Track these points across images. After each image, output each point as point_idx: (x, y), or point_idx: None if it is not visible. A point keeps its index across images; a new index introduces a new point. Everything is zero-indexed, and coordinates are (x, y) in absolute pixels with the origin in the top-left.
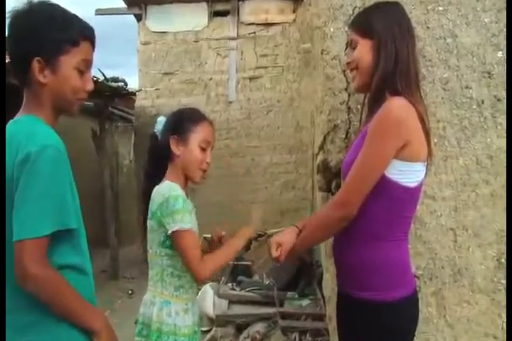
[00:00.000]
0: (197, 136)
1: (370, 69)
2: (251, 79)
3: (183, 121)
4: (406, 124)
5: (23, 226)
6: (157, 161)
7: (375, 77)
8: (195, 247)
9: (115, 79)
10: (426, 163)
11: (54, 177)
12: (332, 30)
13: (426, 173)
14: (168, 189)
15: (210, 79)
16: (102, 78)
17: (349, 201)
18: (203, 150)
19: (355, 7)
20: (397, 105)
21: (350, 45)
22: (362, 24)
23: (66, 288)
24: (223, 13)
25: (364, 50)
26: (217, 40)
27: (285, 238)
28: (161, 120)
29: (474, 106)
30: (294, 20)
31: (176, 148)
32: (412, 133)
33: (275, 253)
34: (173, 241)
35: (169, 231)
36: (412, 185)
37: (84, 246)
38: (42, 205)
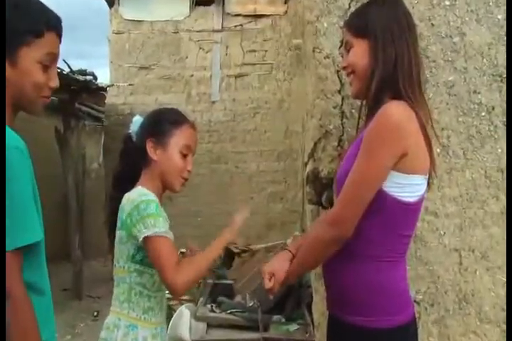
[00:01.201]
0: (178, 140)
1: (367, 73)
2: (236, 77)
3: (163, 122)
4: (405, 131)
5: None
6: (130, 165)
7: (373, 81)
8: (170, 255)
9: (82, 72)
10: (427, 176)
11: (22, 181)
12: (325, 25)
13: (428, 187)
14: (138, 194)
15: (191, 75)
16: (67, 70)
17: (343, 219)
18: (184, 156)
19: (351, 0)
20: (395, 109)
21: (345, 46)
22: (356, 22)
23: (34, 326)
24: (207, 2)
25: (360, 51)
26: (199, 32)
27: (278, 266)
28: (137, 120)
29: (483, 113)
30: (286, 12)
31: (152, 153)
32: (412, 142)
33: (268, 285)
34: (145, 249)
35: (141, 238)
36: (412, 199)
37: (43, 260)
38: (17, 213)
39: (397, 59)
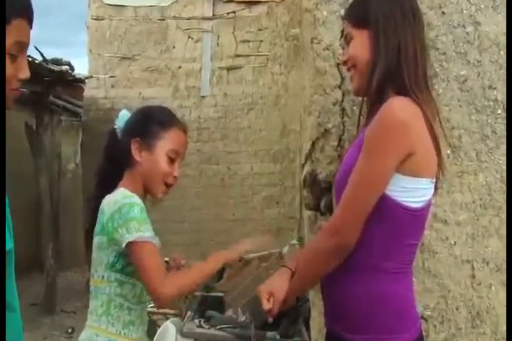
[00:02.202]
0: (165, 143)
1: (369, 66)
2: (229, 69)
3: (151, 122)
4: (410, 129)
5: None
6: (113, 163)
7: (374, 75)
8: (156, 262)
9: (57, 61)
10: (435, 179)
11: None
12: (325, 14)
13: (435, 191)
14: (121, 196)
15: (179, 67)
16: (39, 59)
17: (345, 226)
18: (171, 160)
19: None
20: (398, 106)
21: (345, 39)
22: (355, 12)
23: None
24: None
25: (360, 43)
26: (188, 19)
27: (276, 285)
28: (124, 114)
29: (499, 111)
30: None
31: (137, 154)
32: (418, 141)
33: (267, 306)
34: (129, 256)
35: (124, 243)
36: (417, 205)
37: (12, 273)
38: None
39: (401, 49)
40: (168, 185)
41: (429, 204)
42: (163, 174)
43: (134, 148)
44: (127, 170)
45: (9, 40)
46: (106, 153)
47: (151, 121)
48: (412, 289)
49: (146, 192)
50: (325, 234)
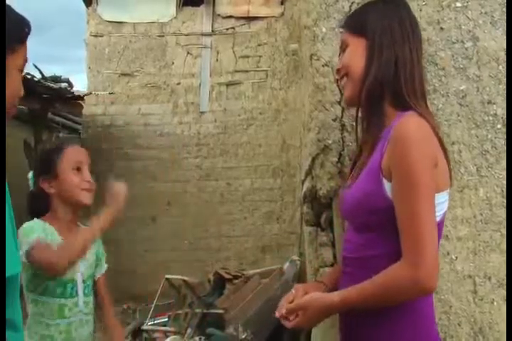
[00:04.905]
0: (63, 162)
1: (361, 75)
2: (228, 85)
3: (44, 157)
4: (431, 148)
5: None
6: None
7: (365, 85)
8: (45, 249)
9: (56, 79)
10: (449, 191)
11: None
12: (324, 30)
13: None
14: (26, 224)
15: (178, 83)
16: (38, 76)
17: (425, 258)
18: (78, 170)
19: (352, 3)
20: (414, 126)
21: (341, 46)
22: (353, 20)
23: None
24: (195, 2)
25: (356, 51)
26: (187, 35)
27: (311, 299)
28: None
29: (499, 126)
30: (282, 14)
31: (48, 188)
32: (439, 157)
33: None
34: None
35: (21, 253)
36: (437, 219)
37: (17, 295)
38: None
39: (398, 63)
40: (87, 190)
41: (444, 218)
42: (75, 185)
43: (43, 185)
44: (50, 209)
45: (19, 62)
46: (30, 210)
47: (44, 157)
48: (433, 305)
49: (75, 215)
50: (402, 267)
